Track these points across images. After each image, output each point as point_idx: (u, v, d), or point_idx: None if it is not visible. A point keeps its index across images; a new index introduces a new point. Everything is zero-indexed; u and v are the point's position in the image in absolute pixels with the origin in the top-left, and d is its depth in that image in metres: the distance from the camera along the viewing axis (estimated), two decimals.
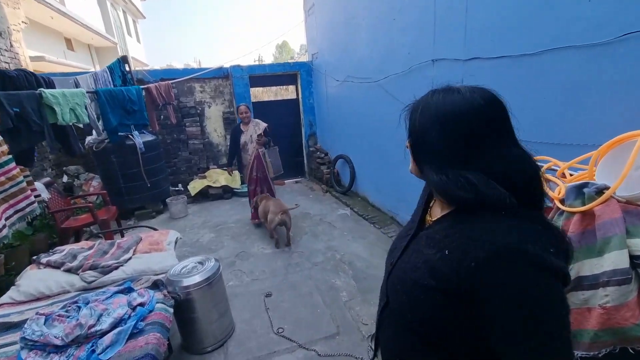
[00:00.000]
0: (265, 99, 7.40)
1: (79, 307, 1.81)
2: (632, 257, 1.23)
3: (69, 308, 1.82)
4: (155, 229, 3.16)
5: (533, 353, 0.59)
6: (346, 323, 2.46)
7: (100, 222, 3.65)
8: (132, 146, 4.67)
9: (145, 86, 4.13)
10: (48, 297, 2.14)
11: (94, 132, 4.06)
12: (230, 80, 6.10)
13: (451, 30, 2.75)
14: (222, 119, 6.31)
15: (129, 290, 2.03)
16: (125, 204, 4.89)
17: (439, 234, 0.76)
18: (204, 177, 5.90)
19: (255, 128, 4.19)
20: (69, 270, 2.27)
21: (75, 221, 3.71)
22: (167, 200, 5.10)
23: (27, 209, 2.55)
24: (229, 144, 4.57)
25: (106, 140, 4.54)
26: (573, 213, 1.38)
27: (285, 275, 3.18)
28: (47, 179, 3.68)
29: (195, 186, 5.72)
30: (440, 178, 0.71)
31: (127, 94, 3.60)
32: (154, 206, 5.18)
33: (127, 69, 4.69)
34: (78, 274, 2.24)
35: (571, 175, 1.74)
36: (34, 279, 2.22)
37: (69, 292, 2.18)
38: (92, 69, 8.45)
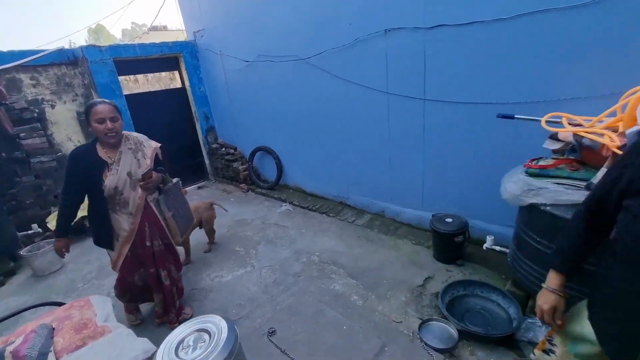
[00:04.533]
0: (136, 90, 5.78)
1: None
2: None
3: None
4: (58, 304, 1.95)
5: None
6: (382, 329, 2.16)
7: None
8: None
9: None
10: None
11: None
12: (82, 66, 4.39)
13: None
14: (78, 122, 4.55)
15: None
16: None
17: None
18: None
19: (134, 155, 2.11)
20: None
21: None
22: (22, 252, 3.34)
23: None
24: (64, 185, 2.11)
25: None
26: None
27: (274, 299, 2.57)
28: None
29: None
30: None
31: None
32: None
33: None
34: None
35: (578, 125, 1.92)
36: None
37: None
38: None
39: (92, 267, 3.42)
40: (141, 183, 2.08)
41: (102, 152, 2.07)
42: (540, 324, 1.87)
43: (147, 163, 2.15)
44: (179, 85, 5.51)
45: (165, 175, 2.33)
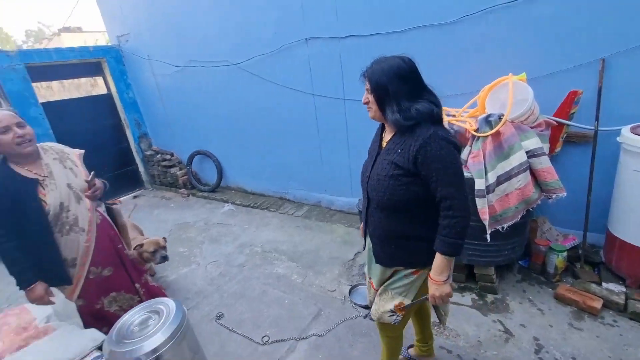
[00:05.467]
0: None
1: None
2: (526, 153, 1.97)
3: None
4: None
5: (453, 179, 1.15)
6: (319, 298, 2.49)
7: None
8: None
9: None
10: None
11: None
12: None
13: (321, 10, 3.02)
14: None
15: None
16: None
17: (393, 145, 1.25)
18: None
19: (63, 165, 1.78)
20: None
21: None
22: None
23: None
24: None
25: None
26: (487, 136, 2.02)
27: (220, 289, 2.74)
28: None
29: None
30: (396, 116, 1.17)
31: None
32: None
33: None
34: None
35: (452, 116, 2.45)
36: None
37: None
38: None
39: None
40: (88, 192, 1.78)
41: (22, 170, 1.64)
42: None
43: (83, 170, 1.85)
44: (103, 91, 5.27)
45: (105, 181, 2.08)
